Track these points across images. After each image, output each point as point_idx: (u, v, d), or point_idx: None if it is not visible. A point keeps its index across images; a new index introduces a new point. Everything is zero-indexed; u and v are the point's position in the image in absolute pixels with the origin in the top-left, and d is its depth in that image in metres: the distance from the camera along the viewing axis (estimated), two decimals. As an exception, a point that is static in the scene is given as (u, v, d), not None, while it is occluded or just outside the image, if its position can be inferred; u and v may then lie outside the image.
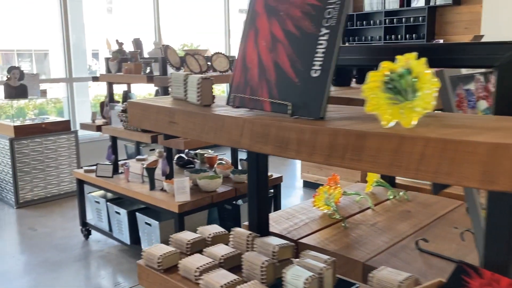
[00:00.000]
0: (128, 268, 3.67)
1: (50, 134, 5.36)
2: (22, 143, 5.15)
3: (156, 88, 6.92)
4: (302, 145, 0.85)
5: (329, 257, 1.28)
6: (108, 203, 3.85)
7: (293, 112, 0.92)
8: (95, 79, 3.95)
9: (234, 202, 3.71)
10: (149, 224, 3.44)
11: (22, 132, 5.17)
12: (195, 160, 4.36)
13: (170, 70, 3.30)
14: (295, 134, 0.86)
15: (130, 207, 3.95)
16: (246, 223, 1.71)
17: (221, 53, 3.47)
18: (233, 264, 1.42)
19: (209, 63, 3.44)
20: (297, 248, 1.49)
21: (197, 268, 1.32)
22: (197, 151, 4.47)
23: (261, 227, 1.57)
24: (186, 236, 1.57)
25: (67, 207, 5.20)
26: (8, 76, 5.33)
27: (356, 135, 0.79)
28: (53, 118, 5.71)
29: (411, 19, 9.98)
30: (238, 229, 1.56)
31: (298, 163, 6.54)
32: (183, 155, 4.33)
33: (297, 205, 1.98)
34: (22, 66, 5.51)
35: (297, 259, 1.29)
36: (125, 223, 3.66)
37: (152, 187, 3.53)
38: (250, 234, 1.50)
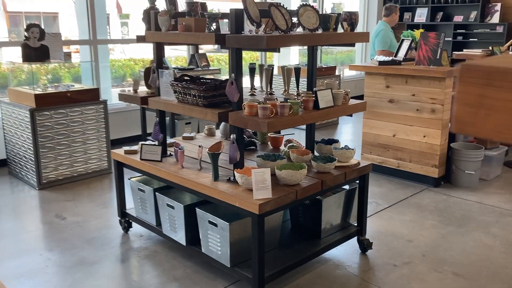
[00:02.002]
0: (184, 275, 2.98)
1: (76, 105, 4.62)
2: (44, 114, 4.42)
3: (192, 53, 6.12)
4: None
5: None
6: (157, 193, 3.13)
7: None
8: (140, 39, 3.16)
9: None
10: (215, 225, 2.72)
11: (44, 102, 4.43)
12: (255, 140, 3.61)
13: (247, 27, 2.51)
14: None
15: (181, 197, 3.24)
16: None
17: (309, 5, 2.66)
18: None
19: (293, 18, 2.64)
20: None
21: None
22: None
23: None
24: None
25: (96, 189, 4.51)
26: (27, 36, 4.55)
27: None
28: (78, 85, 4.95)
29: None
30: None
31: (358, 139, 5.74)
32: (241, 134, 3.57)
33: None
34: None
35: None
36: (181, 220, 2.95)
37: (216, 176, 2.80)
38: None
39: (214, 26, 2.67)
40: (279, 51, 2.49)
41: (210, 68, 5.84)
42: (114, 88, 8.91)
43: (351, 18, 2.86)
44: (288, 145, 3.29)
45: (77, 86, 4.85)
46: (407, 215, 3.91)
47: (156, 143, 3.34)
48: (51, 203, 4.18)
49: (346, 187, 3.24)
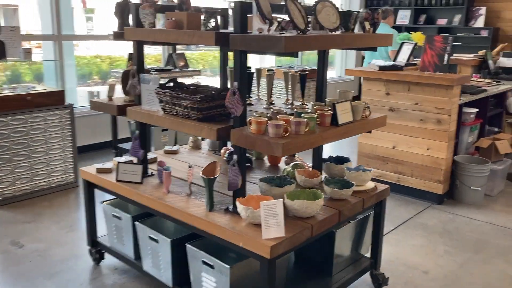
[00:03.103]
0: (170, 323, 2.46)
1: (37, 109, 4.01)
2: (0, 120, 3.80)
3: (170, 52, 5.54)
4: None
5: None
6: (137, 223, 2.60)
7: None
8: (117, 36, 2.62)
9: (327, 226, 2.50)
10: (211, 266, 2.22)
11: (0, 106, 3.81)
12: (249, 155, 3.12)
13: (256, 25, 2.02)
14: None
15: (165, 226, 2.72)
16: None
17: (328, 0, 2.20)
18: None
19: (309, 16, 2.17)
20: None
21: None
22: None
23: None
24: None
25: (61, 207, 3.92)
26: (-21, 29, 3.92)
27: None
28: (41, 87, 4.33)
29: (452, -18, 8.74)
30: None
31: (345, 148, 5.27)
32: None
33: None
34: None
35: None
36: (167, 256, 2.43)
37: (212, 206, 2.31)
38: None
39: (212, 23, 2.17)
40: (296, 56, 2.01)
41: (190, 69, 5.31)
42: (80, 87, 8.23)
43: (373, 17, 2.41)
44: (292, 163, 2.81)
45: (39, 88, 4.23)
46: (416, 239, 3.51)
47: (135, 160, 2.81)
48: (7, 225, 3.57)
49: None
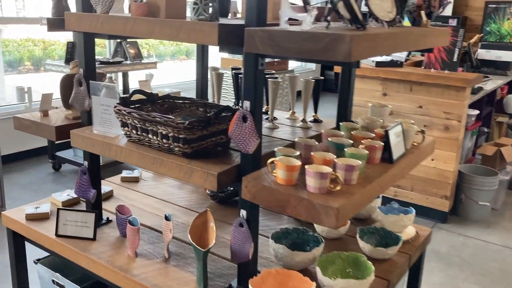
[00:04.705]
0: None
1: None
2: None
3: (119, 40, 4.60)
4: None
5: None
6: (89, 300, 1.79)
7: None
8: (53, 24, 1.75)
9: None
10: None
11: None
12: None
13: (286, 13, 1.25)
14: None
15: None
16: None
17: (380, -21, 1.46)
18: None
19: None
20: None
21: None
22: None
23: None
24: None
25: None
26: None
27: None
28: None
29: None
30: None
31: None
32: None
33: None
34: None
35: None
36: None
37: (206, 284, 1.54)
38: None
39: (209, 9, 1.37)
40: (358, 66, 1.26)
41: (144, 61, 4.43)
42: (8, 75, 7.12)
43: (429, 5, 1.71)
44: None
45: None
46: (434, 275, 2.91)
47: (84, 203, 1.98)
48: None
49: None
